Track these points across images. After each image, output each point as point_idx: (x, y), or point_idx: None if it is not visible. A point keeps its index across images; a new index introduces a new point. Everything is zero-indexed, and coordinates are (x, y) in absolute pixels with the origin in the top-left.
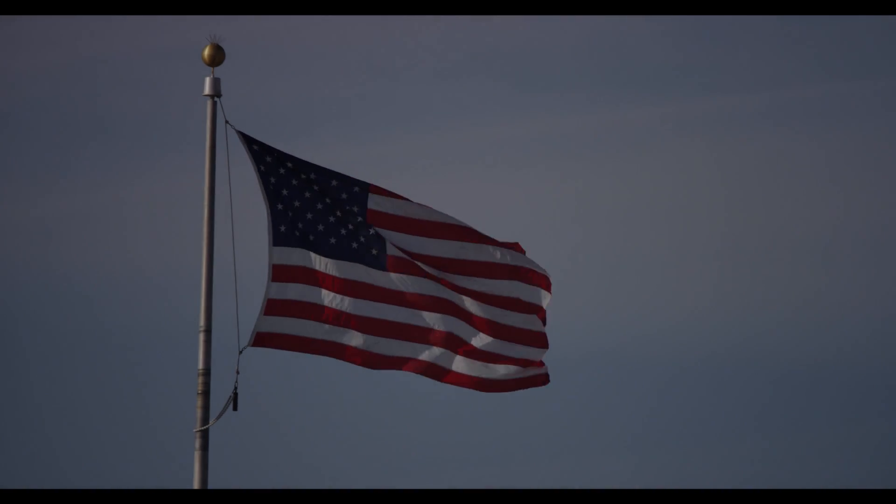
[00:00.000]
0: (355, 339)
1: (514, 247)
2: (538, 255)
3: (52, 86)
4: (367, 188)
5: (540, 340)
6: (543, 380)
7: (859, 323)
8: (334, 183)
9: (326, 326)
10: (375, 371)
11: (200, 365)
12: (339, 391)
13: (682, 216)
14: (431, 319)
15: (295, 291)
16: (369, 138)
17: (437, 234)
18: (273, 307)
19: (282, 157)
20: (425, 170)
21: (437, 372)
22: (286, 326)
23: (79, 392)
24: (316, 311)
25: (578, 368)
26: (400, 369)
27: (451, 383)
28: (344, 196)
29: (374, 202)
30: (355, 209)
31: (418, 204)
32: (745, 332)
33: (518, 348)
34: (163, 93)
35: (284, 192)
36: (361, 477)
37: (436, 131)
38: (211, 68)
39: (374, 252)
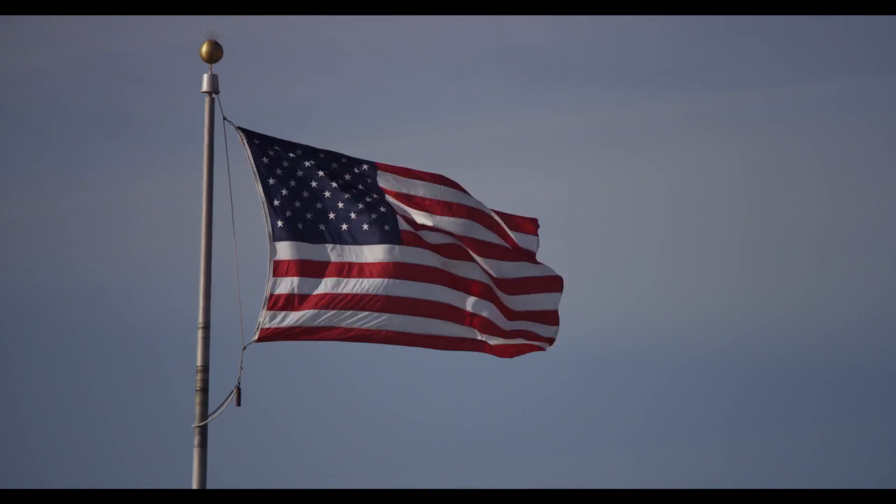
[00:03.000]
0: (364, 320)
1: (529, 225)
2: (547, 249)
3: (49, 84)
4: (374, 166)
5: (551, 318)
6: (544, 343)
7: (857, 321)
8: (344, 160)
9: (333, 313)
10: (377, 371)
11: (199, 362)
12: (340, 390)
13: (680, 213)
14: (444, 294)
15: (297, 285)
16: (370, 135)
17: (446, 212)
18: (275, 302)
19: (287, 147)
20: (432, 166)
21: (446, 343)
22: (290, 320)
23: (78, 388)
24: (320, 301)
25: (578, 368)
26: (409, 345)
27: (461, 350)
28: (356, 170)
29: (382, 180)
30: (369, 181)
31: (428, 175)
32: (745, 331)
33: (529, 325)
34: (160, 90)
35: (292, 182)
36: (362, 477)
37: (444, 127)
38: (209, 65)
39: (387, 228)
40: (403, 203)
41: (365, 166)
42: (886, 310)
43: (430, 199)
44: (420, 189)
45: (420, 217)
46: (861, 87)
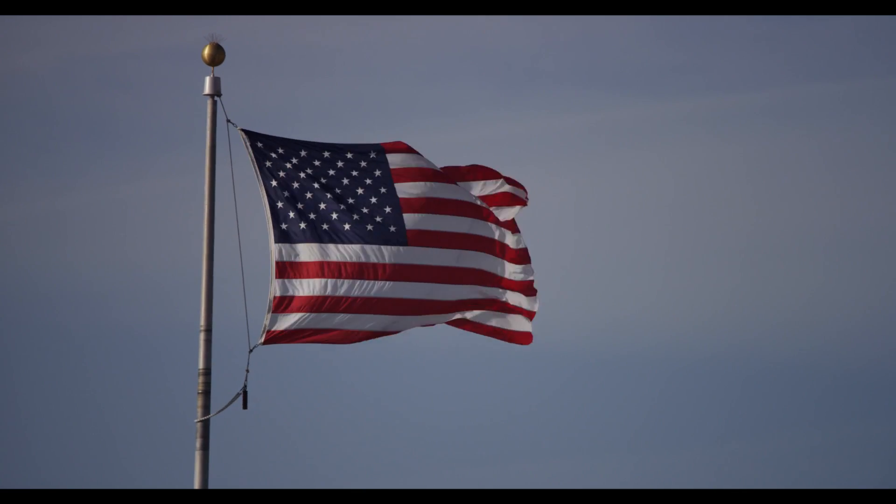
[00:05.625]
0: (369, 322)
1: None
2: (546, 251)
3: (49, 85)
4: (382, 150)
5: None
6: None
7: (858, 323)
8: (350, 156)
9: (337, 315)
10: (378, 372)
11: (201, 365)
12: (341, 392)
13: (678, 216)
14: (452, 291)
15: (300, 286)
16: (365, 138)
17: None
18: (279, 304)
19: (291, 146)
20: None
21: (459, 323)
22: (295, 321)
23: (80, 391)
24: (324, 303)
25: (579, 370)
26: (413, 326)
27: (480, 333)
28: (363, 164)
29: (393, 161)
30: (378, 174)
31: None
32: (746, 333)
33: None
34: (163, 92)
35: (295, 184)
36: (362, 477)
37: (428, 131)
38: (211, 68)
39: (393, 229)
40: (416, 180)
41: (373, 154)
42: (887, 312)
43: (443, 172)
44: (426, 163)
45: (436, 191)
46: (865, 88)
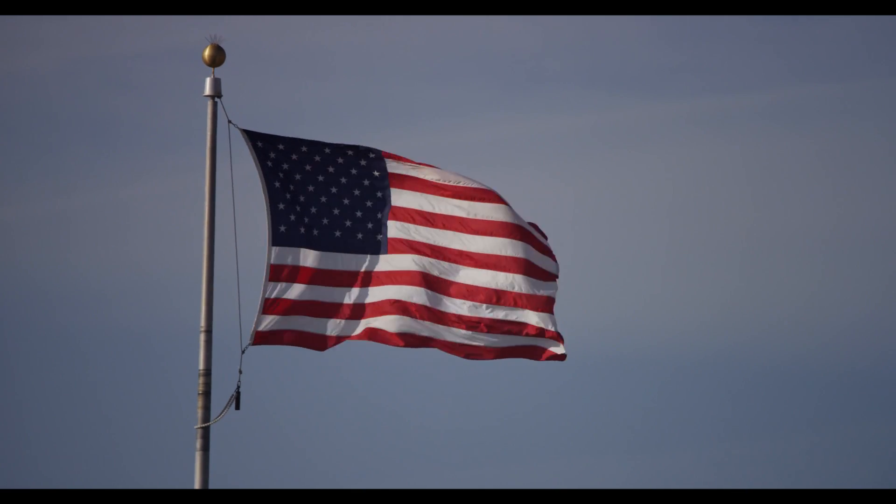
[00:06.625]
0: (355, 328)
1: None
2: None
3: (51, 86)
4: (380, 154)
5: (548, 306)
6: (558, 355)
7: (855, 324)
8: (350, 153)
9: (326, 320)
10: (376, 372)
11: (201, 365)
12: (340, 392)
13: (678, 217)
14: (424, 296)
15: (293, 290)
16: (366, 139)
17: (452, 195)
18: (271, 306)
19: (291, 145)
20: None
21: (431, 343)
22: (285, 324)
23: (81, 392)
24: (315, 307)
25: (578, 371)
26: (400, 346)
27: (447, 352)
28: (363, 163)
29: (391, 167)
30: (376, 173)
31: (429, 167)
32: (744, 334)
33: (524, 314)
34: (163, 94)
35: (291, 186)
36: (361, 477)
37: (430, 132)
38: (211, 69)
39: (379, 237)
40: (411, 188)
41: (372, 154)
42: (886, 312)
43: (440, 182)
44: (427, 172)
45: (427, 202)
46: (864, 89)
